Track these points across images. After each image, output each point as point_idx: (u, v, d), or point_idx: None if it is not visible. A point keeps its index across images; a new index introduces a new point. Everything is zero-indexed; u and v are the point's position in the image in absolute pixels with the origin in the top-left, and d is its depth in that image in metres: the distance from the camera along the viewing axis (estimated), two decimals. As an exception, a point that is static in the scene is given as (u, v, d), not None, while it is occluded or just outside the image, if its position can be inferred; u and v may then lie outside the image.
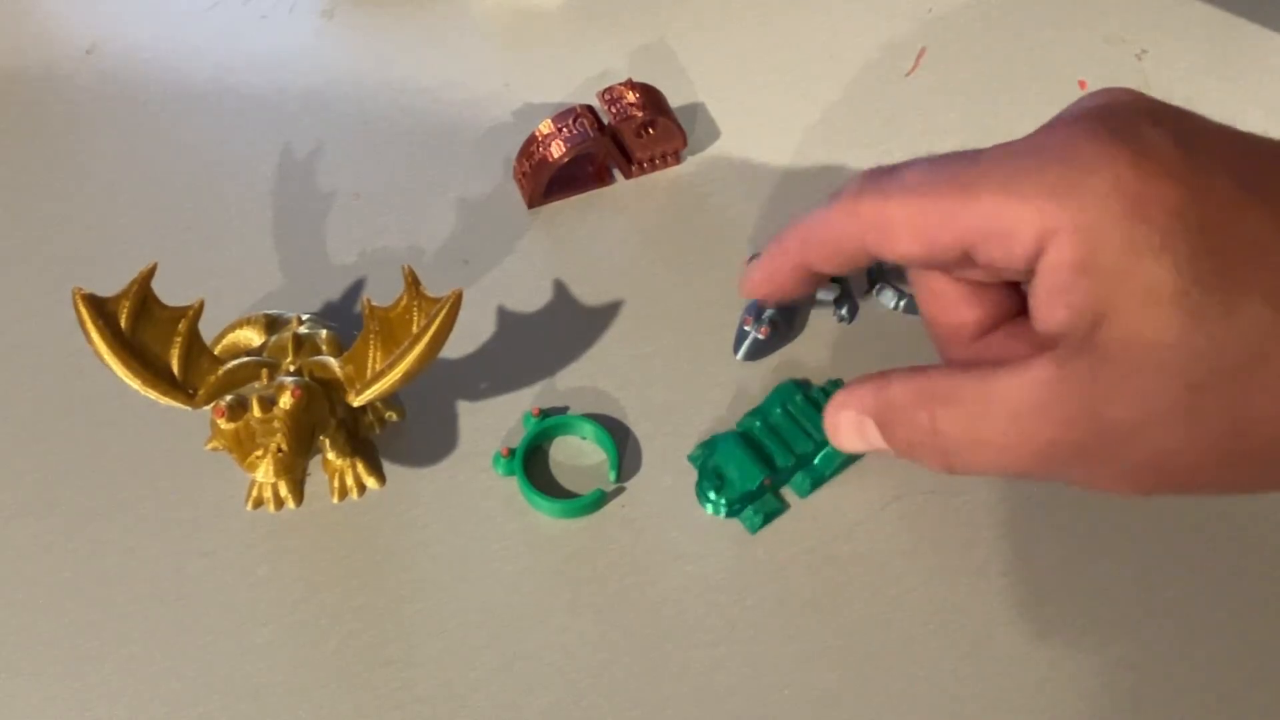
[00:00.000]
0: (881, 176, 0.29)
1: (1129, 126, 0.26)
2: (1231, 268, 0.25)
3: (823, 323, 0.41)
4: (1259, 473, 0.26)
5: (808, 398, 0.38)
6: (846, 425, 0.31)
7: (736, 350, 0.40)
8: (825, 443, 0.37)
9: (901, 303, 0.41)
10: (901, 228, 0.28)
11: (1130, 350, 0.25)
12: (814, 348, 0.41)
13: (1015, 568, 0.36)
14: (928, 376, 0.29)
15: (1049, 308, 0.27)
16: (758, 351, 0.40)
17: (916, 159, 0.29)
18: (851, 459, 0.37)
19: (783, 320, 0.40)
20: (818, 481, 0.37)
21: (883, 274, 0.42)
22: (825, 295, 0.41)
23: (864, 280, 0.42)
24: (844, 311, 0.41)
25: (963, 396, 0.28)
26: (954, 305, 0.31)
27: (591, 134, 0.42)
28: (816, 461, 0.37)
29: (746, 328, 0.40)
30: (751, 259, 0.40)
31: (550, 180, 0.44)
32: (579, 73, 0.49)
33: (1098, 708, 0.33)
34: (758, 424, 0.37)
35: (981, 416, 0.28)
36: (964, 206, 0.27)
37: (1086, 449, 0.26)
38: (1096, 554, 0.36)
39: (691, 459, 0.38)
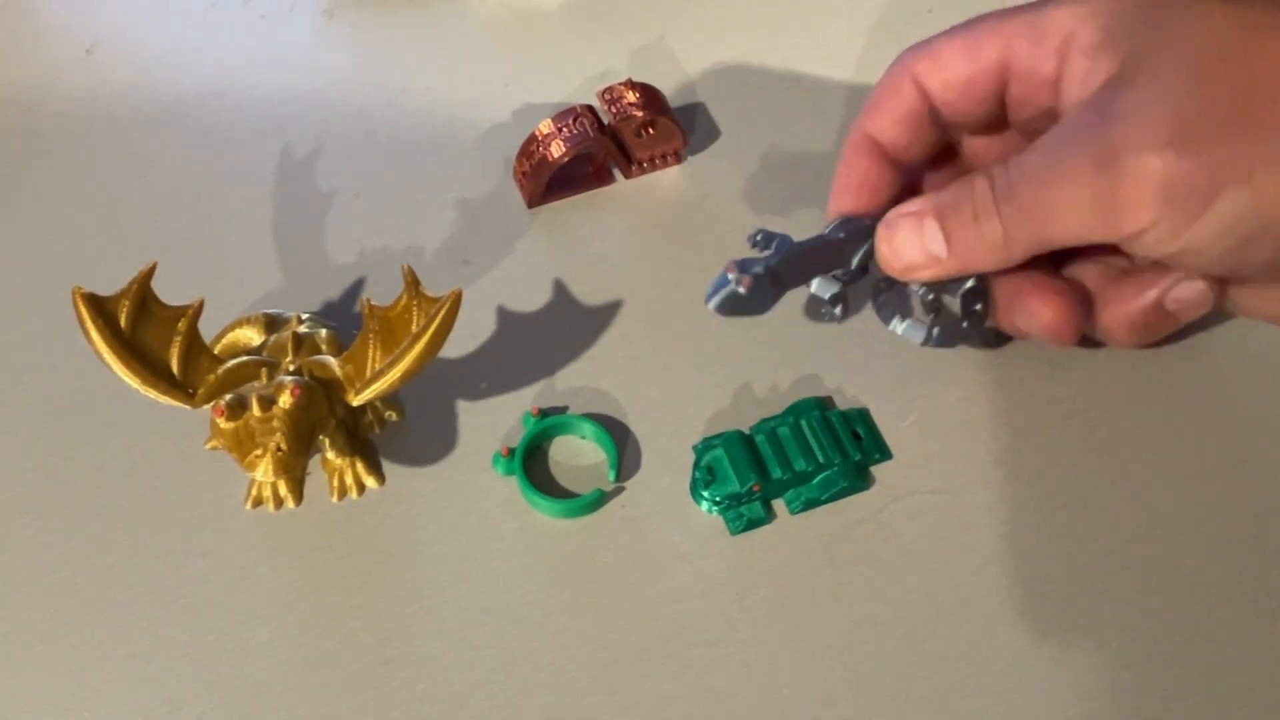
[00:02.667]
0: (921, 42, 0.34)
1: None
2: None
3: (798, 319, 0.41)
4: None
5: (824, 418, 0.38)
6: (907, 234, 0.34)
7: (709, 300, 0.36)
8: (826, 466, 0.37)
9: (903, 325, 0.38)
10: (948, 50, 0.33)
11: (1152, 56, 0.29)
12: (828, 362, 0.41)
13: (1015, 568, 0.36)
14: (979, 169, 0.33)
15: (1083, 79, 0.30)
16: (731, 304, 0.36)
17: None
18: (848, 489, 0.37)
19: (768, 284, 0.36)
20: (811, 503, 0.37)
21: (890, 290, 0.38)
22: (821, 289, 0.37)
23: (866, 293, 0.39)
24: (838, 310, 0.38)
25: (1012, 162, 0.31)
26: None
27: (591, 134, 0.42)
28: (814, 483, 0.37)
29: (729, 275, 0.36)
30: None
31: (550, 180, 0.44)
32: (579, 73, 0.49)
33: (1097, 708, 0.33)
34: (764, 432, 0.37)
35: (1024, 166, 0.31)
36: (1001, 23, 0.32)
37: (1103, 159, 0.29)
38: (1097, 554, 0.36)
39: (695, 448, 0.38)
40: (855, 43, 0.50)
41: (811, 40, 0.50)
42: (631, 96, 0.43)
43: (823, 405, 0.38)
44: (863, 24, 0.50)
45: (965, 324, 0.38)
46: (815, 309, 0.39)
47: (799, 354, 0.41)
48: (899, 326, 0.38)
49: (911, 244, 0.34)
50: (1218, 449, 0.38)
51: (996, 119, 0.35)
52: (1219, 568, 0.36)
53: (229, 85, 0.49)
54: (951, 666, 0.34)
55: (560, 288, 0.42)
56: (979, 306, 0.37)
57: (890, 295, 0.38)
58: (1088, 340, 0.41)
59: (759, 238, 0.37)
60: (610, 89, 0.44)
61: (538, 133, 0.43)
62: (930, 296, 0.37)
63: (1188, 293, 0.34)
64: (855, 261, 0.37)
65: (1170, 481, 0.38)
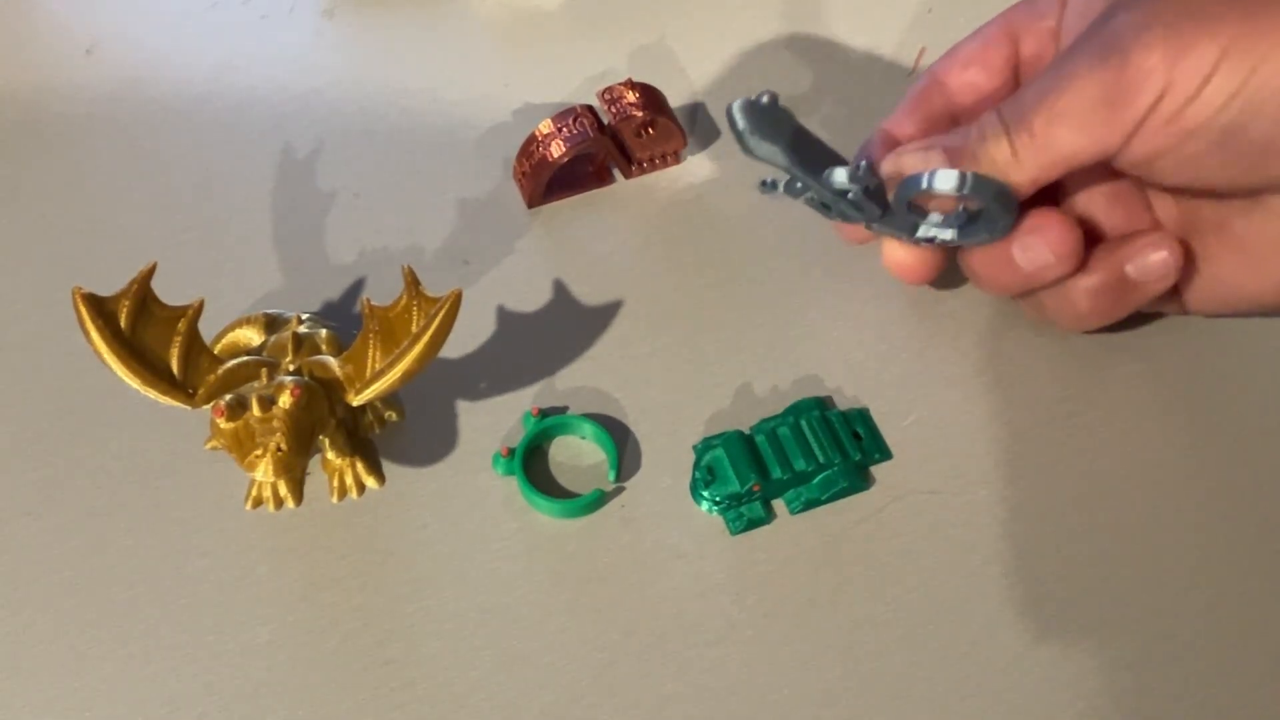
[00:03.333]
0: None
1: None
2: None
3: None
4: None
5: (824, 418, 0.38)
6: (911, 157, 0.35)
7: (730, 116, 0.35)
8: (826, 467, 0.37)
9: (940, 229, 0.36)
10: (964, 48, 0.37)
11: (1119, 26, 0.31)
12: (829, 362, 0.41)
13: (1015, 568, 0.36)
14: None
15: (1074, 20, 0.33)
16: (754, 119, 0.34)
17: None
18: (848, 490, 0.37)
19: (801, 133, 0.35)
20: (811, 504, 0.37)
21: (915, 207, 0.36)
22: (840, 179, 0.35)
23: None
24: (855, 191, 0.35)
25: (1018, 93, 0.34)
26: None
27: (591, 134, 0.42)
28: (814, 483, 0.37)
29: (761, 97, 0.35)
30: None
31: (550, 180, 0.44)
32: (579, 73, 0.49)
33: (1098, 708, 0.33)
34: (764, 432, 0.37)
35: (1027, 91, 0.33)
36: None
37: (1107, 48, 0.31)
38: (1097, 554, 0.36)
39: (695, 448, 0.38)
40: (855, 43, 0.50)
41: (812, 40, 0.50)
42: (631, 96, 0.43)
43: (823, 405, 0.38)
44: (863, 24, 0.50)
45: (984, 231, 0.36)
46: (825, 207, 0.37)
47: (799, 354, 0.41)
48: (927, 229, 0.36)
49: (917, 158, 0.35)
50: (1219, 449, 0.38)
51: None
52: (1220, 567, 0.36)
53: (229, 85, 0.49)
54: (951, 666, 0.34)
55: (560, 288, 0.42)
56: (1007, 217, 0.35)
57: (901, 211, 0.36)
58: (1086, 338, 0.41)
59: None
60: (610, 89, 0.44)
61: (538, 133, 0.43)
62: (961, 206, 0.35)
63: (1151, 261, 0.36)
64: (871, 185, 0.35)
65: (1171, 481, 0.38)
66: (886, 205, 0.36)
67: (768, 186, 0.37)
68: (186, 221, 0.45)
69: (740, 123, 0.35)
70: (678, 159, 0.46)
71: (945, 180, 0.34)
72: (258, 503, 0.37)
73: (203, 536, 0.37)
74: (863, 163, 0.35)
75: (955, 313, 0.41)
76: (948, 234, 0.36)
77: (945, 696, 0.34)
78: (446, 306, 0.32)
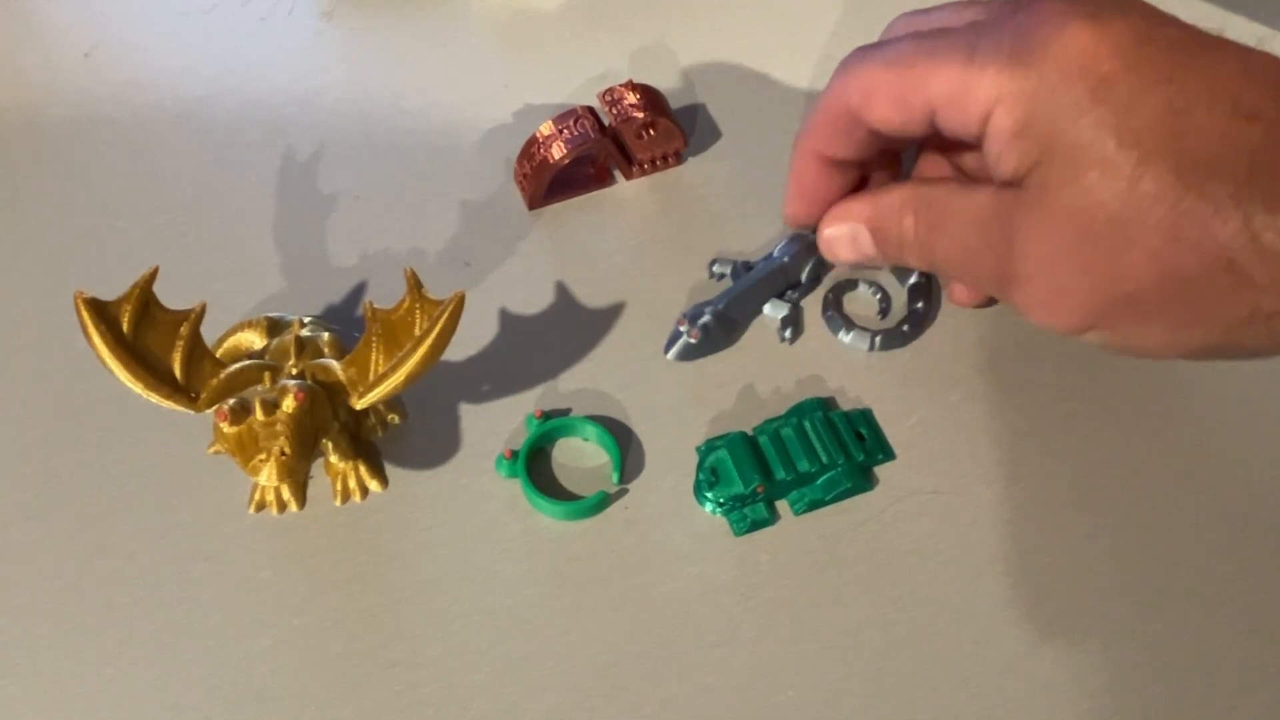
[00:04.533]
0: (868, 50, 0.34)
1: (1094, 7, 0.29)
2: (1151, 133, 0.27)
3: (766, 342, 0.41)
4: (1139, 318, 0.30)
5: (827, 419, 0.38)
6: (843, 236, 0.37)
7: (667, 350, 0.40)
8: (830, 467, 0.37)
9: (848, 335, 0.41)
10: (880, 95, 0.33)
11: (1046, 197, 0.29)
12: (830, 363, 0.41)
13: (1018, 568, 0.36)
14: (913, 186, 0.35)
15: (995, 163, 0.31)
16: (688, 353, 0.40)
17: (902, 34, 0.33)
18: (852, 490, 0.37)
19: (718, 328, 0.40)
20: (815, 504, 0.37)
21: (837, 304, 0.41)
22: (773, 313, 0.41)
23: (818, 305, 0.42)
24: (788, 333, 0.41)
25: (933, 202, 0.33)
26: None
27: (592, 135, 0.42)
28: (818, 484, 0.37)
29: (680, 328, 0.40)
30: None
31: (551, 181, 0.43)
32: (579, 73, 0.49)
33: (1101, 707, 0.33)
34: (767, 433, 0.37)
35: (944, 221, 0.33)
36: (932, 74, 0.31)
37: (1004, 274, 0.31)
38: (1100, 554, 0.36)
39: (698, 449, 0.38)
40: (856, 43, 0.49)
41: (812, 41, 0.50)
42: (632, 98, 0.43)
43: (826, 406, 0.38)
44: (863, 24, 0.50)
45: (906, 327, 0.41)
46: (774, 332, 0.41)
47: (801, 355, 0.41)
48: (845, 336, 0.41)
49: (847, 245, 0.37)
50: (1220, 449, 0.38)
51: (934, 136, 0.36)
52: (1223, 567, 0.36)
53: (228, 88, 0.49)
54: (955, 666, 0.34)
55: (562, 289, 0.42)
56: (920, 305, 0.41)
57: (837, 309, 0.41)
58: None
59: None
60: (611, 90, 0.44)
61: (538, 134, 0.43)
62: (879, 296, 0.42)
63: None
64: (805, 275, 0.41)
65: (1174, 481, 0.38)
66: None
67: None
68: (188, 225, 0.45)
69: (688, 358, 0.40)
70: (679, 160, 0.46)
71: (860, 340, 0.41)
72: (261, 506, 0.37)
73: (206, 541, 0.37)
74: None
75: (957, 312, 0.41)
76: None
77: (949, 696, 0.34)
78: (449, 309, 0.32)
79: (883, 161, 0.38)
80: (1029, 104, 0.29)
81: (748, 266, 0.41)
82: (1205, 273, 0.27)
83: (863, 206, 0.36)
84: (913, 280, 0.41)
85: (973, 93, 0.30)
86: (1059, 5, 0.29)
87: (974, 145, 0.31)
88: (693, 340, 0.39)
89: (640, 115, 0.43)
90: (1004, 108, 0.29)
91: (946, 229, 0.33)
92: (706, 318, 0.39)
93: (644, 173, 0.45)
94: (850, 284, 0.42)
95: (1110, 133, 0.28)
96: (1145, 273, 0.28)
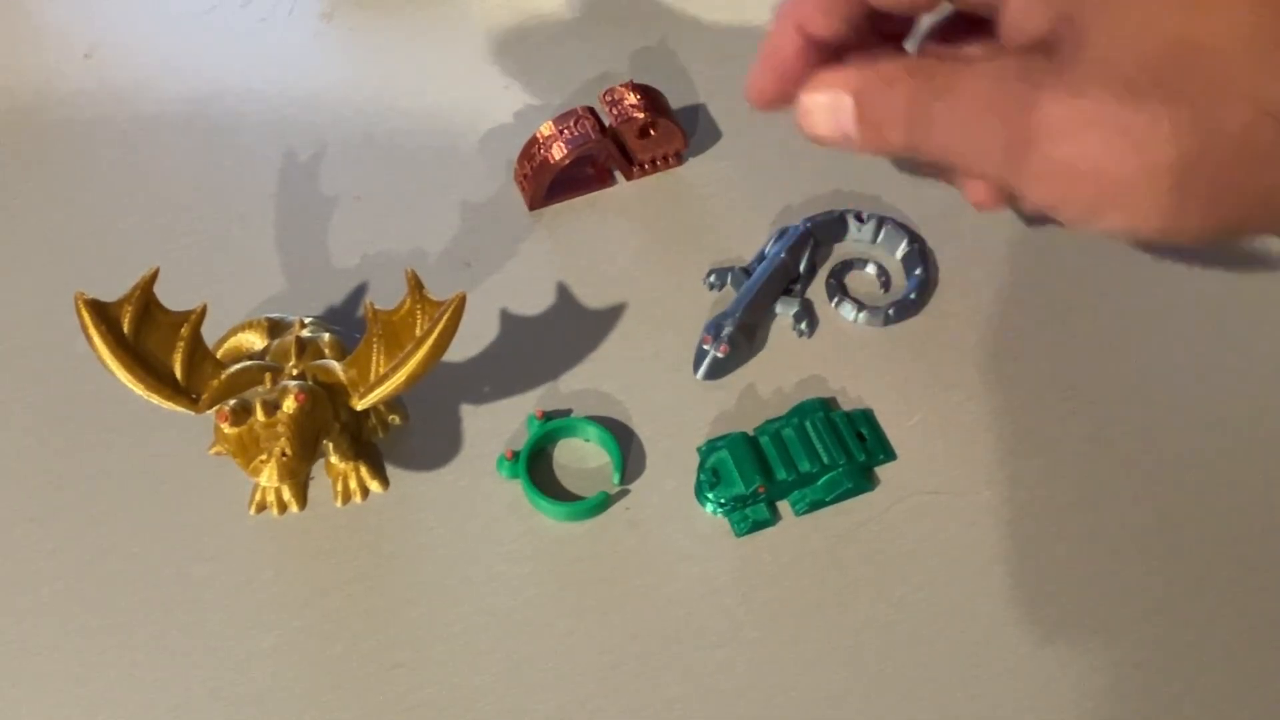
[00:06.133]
0: None
1: None
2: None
3: (784, 338, 0.41)
4: (1174, 188, 0.26)
5: (828, 419, 0.38)
6: (822, 106, 0.33)
7: (696, 370, 0.40)
8: (831, 467, 0.37)
9: (861, 315, 0.41)
10: None
11: (1083, 50, 0.27)
12: (831, 363, 0.41)
13: (1019, 568, 0.36)
14: (914, 58, 0.31)
15: (1020, 22, 0.28)
16: (718, 370, 0.40)
17: None
18: (853, 490, 0.37)
19: (743, 337, 0.40)
20: (816, 504, 0.37)
21: (842, 288, 0.42)
22: (785, 310, 0.41)
23: (824, 293, 0.42)
24: (803, 325, 0.41)
25: (938, 71, 0.30)
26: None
27: (593, 136, 0.42)
28: (819, 484, 0.37)
29: (705, 346, 0.39)
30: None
31: (552, 182, 0.43)
32: (579, 73, 0.49)
33: (1103, 707, 0.33)
34: (768, 433, 0.37)
35: (950, 90, 0.29)
36: None
37: (1016, 143, 0.28)
38: (1101, 554, 0.36)
39: (699, 450, 0.38)
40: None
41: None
42: (633, 98, 0.43)
43: (827, 406, 0.38)
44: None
45: (913, 295, 0.41)
46: (788, 329, 0.41)
47: (802, 355, 0.41)
48: (859, 317, 0.41)
49: (827, 117, 0.33)
50: (1221, 449, 0.38)
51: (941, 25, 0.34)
52: (1225, 567, 0.36)
53: (229, 89, 0.49)
54: (957, 667, 0.34)
55: (563, 290, 0.42)
56: (919, 271, 0.41)
57: (843, 294, 0.41)
58: (1085, 336, 0.41)
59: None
60: (611, 90, 0.44)
61: (539, 135, 0.43)
62: (877, 271, 0.42)
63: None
64: (803, 266, 0.41)
65: (1175, 481, 0.38)
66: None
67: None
68: (188, 226, 0.44)
69: (718, 376, 0.40)
70: (679, 160, 0.46)
71: (873, 317, 0.41)
72: (262, 507, 0.37)
73: (207, 542, 0.37)
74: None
75: (957, 313, 0.41)
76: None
77: (951, 697, 0.34)
78: (450, 310, 0.32)
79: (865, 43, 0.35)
80: None
81: (746, 272, 0.41)
82: (1258, 133, 0.25)
83: (851, 72, 0.32)
84: (903, 251, 0.42)
85: None
86: None
87: (985, 31, 0.29)
88: (721, 355, 0.39)
89: (641, 116, 0.43)
90: None
91: (951, 99, 0.29)
92: (730, 329, 0.39)
93: (644, 173, 0.45)
94: (847, 265, 0.42)
95: None
96: (1190, 134, 0.26)
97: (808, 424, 0.37)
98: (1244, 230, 0.28)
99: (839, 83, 0.32)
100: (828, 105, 0.33)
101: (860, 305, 0.41)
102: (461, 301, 0.33)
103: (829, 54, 0.34)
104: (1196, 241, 0.28)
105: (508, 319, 0.42)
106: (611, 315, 0.42)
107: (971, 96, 0.29)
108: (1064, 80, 0.27)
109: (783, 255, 0.41)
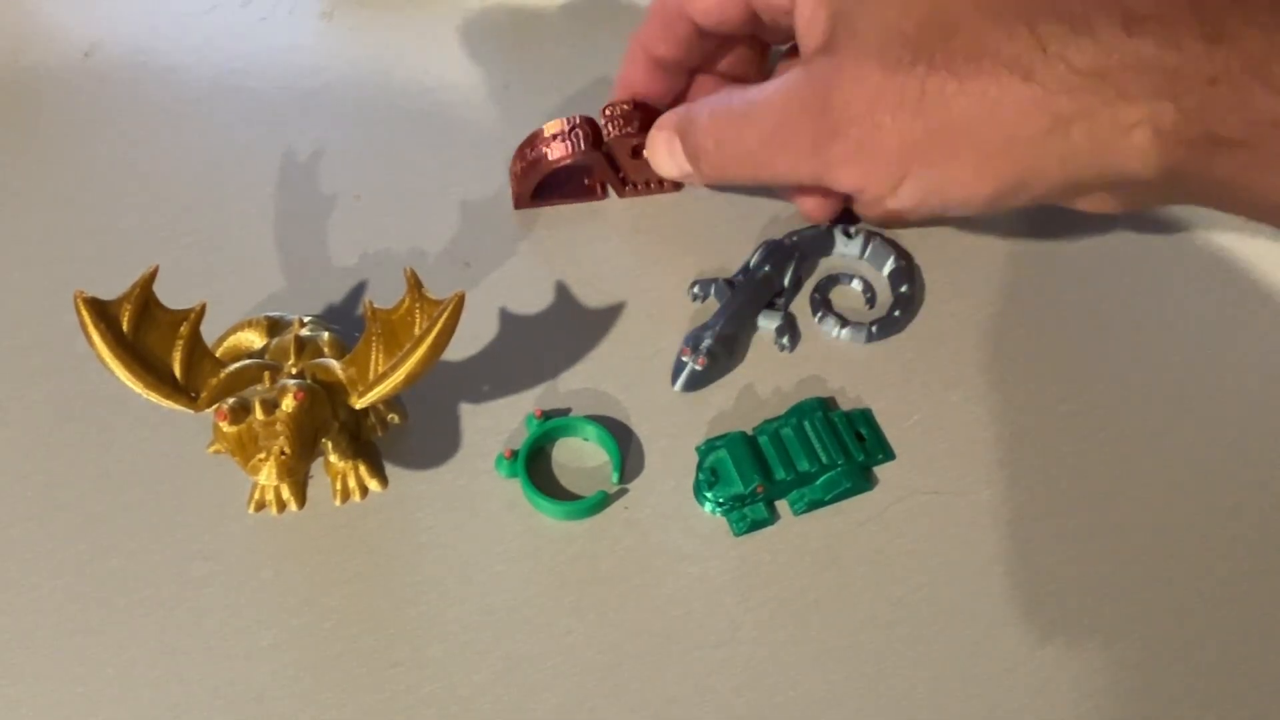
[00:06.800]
0: None
1: None
2: None
3: (766, 352, 0.41)
4: (950, 150, 0.31)
5: (827, 419, 0.38)
6: (661, 144, 0.38)
7: (674, 381, 0.39)
8: (830, 467, 0.37)
9: (844, 331, 0.40)
10: None
11: (858, 40, 0.31)
12: (829, 368, 0.41)
13: (1018, 568, 0.36)
14: (719, 94, 0.36)
15: (808, 30, 0.33)
16: (696, 382, 0.39)
17: None
18: (852, 490, 0.37)
19: (722, 350, 0.39)
20: (814, 504, 0.37)
21: (827, 303, 0.41)
22: (767, 324, 0.41)
23: (809, 308, 0.42)
24: (785, 340, 0.40)
25: (734, 101, 0.34)
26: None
27: (583, 147, 0.41)
28: (818, 484, 0.37)
29: (684, 358, 0.39)
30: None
31: (543, 184, 0.43)
32: (580, 74, 0.49)
33: (1101, 708, 0.33)
34: (767, 433, 0.37)
35: (748, 114, 0.34)
36: None
37: (821, 134, 0.32)
38: (1100, 554, 0.36)
39: (698, 449, 0.38)
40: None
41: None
42: (633, 119, 0.41)
43: (826, 406, 0.38)
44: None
45: (898, 313, 0.41)
46: (770, 343, 0.41)
47: (801, 355, 0.41)
48: (842, 333, 0.41)
49: (666, 159, 0.38)
50: (1221, 449, 0.38)
51: (754, 32, 0.38)
52: (1223, 567, 0.36)
53: (228, 88, 0.49)
54: (956, 667, 0.34)
55: (562, 289, 0.42)
56: (905, 288, 0.41)
57: (827, 309, 0.41)
58: (1084, 337, 0.41)
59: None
60: (614, 105, 0.42)
61: (542, 131, 0.42)
62: (863, 288, 0.42)
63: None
64: (788, 279, 0.41)
65: (1174, 481, 0.38)
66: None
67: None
68: (187, 225, 0.45)
69: (695, 387, 0.40)
70: (676, 187, 0.44)
71: (856, 334, 0.41)
72: (260, 506, 0.37)
73: (205, 540, 0.37)
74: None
75: (956, 313, 0.41)
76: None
77: (949, 697, 0.34)
78: (449, 309, 0.32)
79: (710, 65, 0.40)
80: None
81: (730, 284, 0.41)
82: (1006, 89, 0.29)
83: (672, 115, 0.37)
84: (890, 267, 0.42)
85: None
86: None
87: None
88: (699, 368, 0.39)
89: (636, 137, 0.41)
90: None
91: (757, 113, 0.34)
92: (708, 341, 0.39)
93: (635, 193, 0.44)
94: (832, 280, 0.42)
95: None
96: (955, 97, 0.30)
97: (806, 424, 0.37)
98: (1028, 191, 0.32)
99: (666, 124, 0.37)
100: (664, 143, 0.38)
101: (843, 321, 0.41)
102: (460, 301, 0.33)
103: (674, 72, 0.39)
104: (991, 205, 0.32)
105: (507, 318, 0.42)
106: (611, 315, 0.42)
107: (776, 112, 0.33)
108: (846, 72, 0.31)
109: (766, 268, 0.41)
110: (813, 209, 0.41)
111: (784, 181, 0.37)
